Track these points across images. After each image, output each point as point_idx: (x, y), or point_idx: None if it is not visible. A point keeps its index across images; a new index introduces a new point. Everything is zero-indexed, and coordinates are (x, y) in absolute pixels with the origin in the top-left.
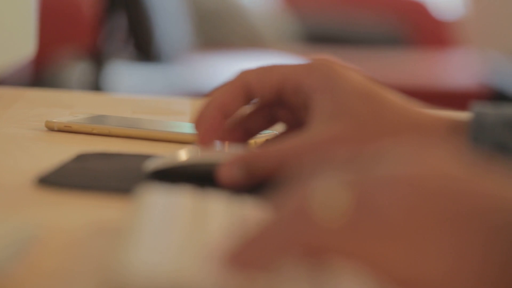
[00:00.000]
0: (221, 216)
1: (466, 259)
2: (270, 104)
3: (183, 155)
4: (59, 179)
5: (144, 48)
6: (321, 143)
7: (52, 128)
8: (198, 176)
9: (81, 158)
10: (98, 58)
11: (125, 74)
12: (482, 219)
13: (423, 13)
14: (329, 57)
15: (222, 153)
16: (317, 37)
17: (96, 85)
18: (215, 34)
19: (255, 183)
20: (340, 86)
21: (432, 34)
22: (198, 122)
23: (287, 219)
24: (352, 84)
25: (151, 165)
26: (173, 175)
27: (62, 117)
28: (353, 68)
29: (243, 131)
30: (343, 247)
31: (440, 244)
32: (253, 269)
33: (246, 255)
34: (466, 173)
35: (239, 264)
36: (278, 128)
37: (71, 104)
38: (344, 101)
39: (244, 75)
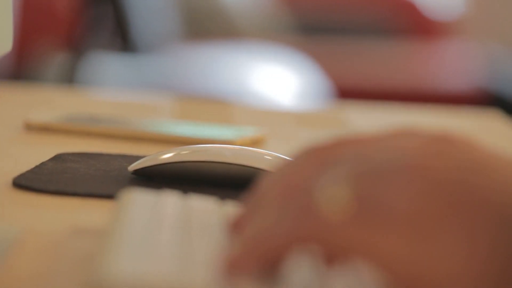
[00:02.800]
0: (206, 221)
1: (474, 253)
2: None
3: (166, 154)
4: (35, 183)
5: (125, 39)
6: None
7: (31, 128)
8: (181, 176)
9: (60, 158)
10: (78, 49)
11: (106, 65)
12: (490, 213)
13: (417, 7)
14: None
15: (210, 151)
16: (310, 28)
17: (76, 77)
18: (199, 25)
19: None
20: None
21: (427, 28)
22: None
23: (291, 213)
24: None
25: (134, 164)
26: (156, 175)
27: (41, 116)
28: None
29: None
30: (347, 241)
31: (447, 237)
32: (258, 267)
33: (250, 252)
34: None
35: (244, 262)
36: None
37: (50, 101)
38: None
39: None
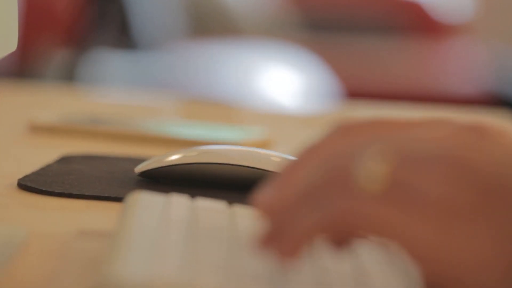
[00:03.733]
0: (213, 224)
1: (504, 244)
2: None
3: (173, 156)
4: (40, 185)
5: (128, 36)
6: None
7: (35, 128)
8: (188, 177)
9: (65, 160)
10: (81, 47)
11: (108, 63)
12: None
13: (425, 8)
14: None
15: (217, 153)
16: (316, 26)
17: (79, 75)
18: (203, 22)
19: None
20: None
21: (436, 29)
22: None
23: (326, 184)
24: None
25: (140, 166)
26: (162, 177)
27: (46, 117)
28: None
29: None
30: (380, 218)
31: (477, 227)
32: (296, 237)
33: (288, 223)
34: None
35: (285, 242)
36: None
37: (54, 102)
38: None
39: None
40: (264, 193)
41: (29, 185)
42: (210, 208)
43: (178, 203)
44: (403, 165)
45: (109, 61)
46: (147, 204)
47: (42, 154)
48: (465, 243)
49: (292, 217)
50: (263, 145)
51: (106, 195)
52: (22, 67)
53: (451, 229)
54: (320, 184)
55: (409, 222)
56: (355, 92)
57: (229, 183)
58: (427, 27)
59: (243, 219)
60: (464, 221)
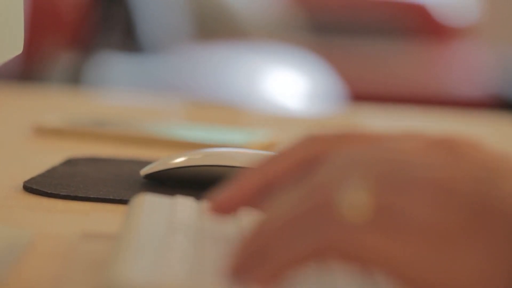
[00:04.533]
0: (218, 227)
1: (494, 265)
2: None
3: (178, 158)
4: (46, 187)
5: (133, 39)
6: None
7: (42, 131)
8: (193, 180)
9: (70, 163)
10: (86, 49)
11: (114, 65)
12: (509, 224)
13: (431, 10)
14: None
15: (221, 156)
16: (321, 29)
17: (84, 78)
18: (208, 25)
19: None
20: None
21: (441, 32)
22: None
23: (309, 213)
24: None
25: (146, 168)
26: (168, 179)
27: (51, 120)
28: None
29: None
30: (366, 247)
31: (467, 249)
32: (279, 266)
33: (269, 248)
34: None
35: (259, 269)
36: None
37: (59, 104)
38: None
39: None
40: (221, 195)
41: (34, 187)
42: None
43: (184, 206)
44: (386, 190)
45: (114, 64)
46: (153, 206)
47: (47, 157)
48: (457, 265)
49: (275, 244)
50: (269, 147)
51: (111, 197)
52: (28, 70)
53: (441, 252)
54: (303, 212)
55: (398, 247)
56: (360, 95)
57: None
58: (432, 29)
59: (249, 221)
60: (454, 243)
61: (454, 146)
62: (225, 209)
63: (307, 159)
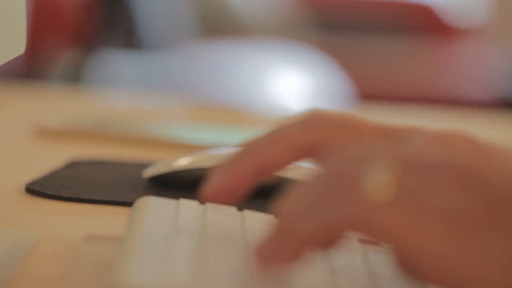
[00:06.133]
0: (223, 230)
1: None
2: None
3: (182, 160)
4: (48, 189)
5: (135, 37)
6: None
7: (44, 133)
8: (197, 182)
9: (73, 164)
10: (88, 47)
11: (116, 63)
12: None
13: (438, 11)
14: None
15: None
16: (327, 27)
17: (86, 76)
18: (212, 23)
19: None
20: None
21: (448, 32)
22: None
23: (332, 189)
24: None
25: (149, 170)
26: (172, 181)
27: (53, 121)
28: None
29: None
30: (386, 219)
31: (489, 238)
32: (301, 242)
33: (292, 225)
34: None
35: (283, 249)
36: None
37: (61, 105)
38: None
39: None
40: (215, 181)
41: (37, 189)
42: (220, 213)
43: (188, 208)
44: (410, 172)
45: (117, 63)
46: (156, 209)
47: (49, 159)
48: (478, 254)
49: (298, 222)
50: None
51: (114, 199)
52: (30, 69)
53: (463, 240)
54: (325, 188)
55: (418, 227)
56: (366, 94)
57: None
58: (439, 30)
59: (254, 224)
60: (476, 232)
61: (463, 137)
62: (220, 197)
63: (305, 146)
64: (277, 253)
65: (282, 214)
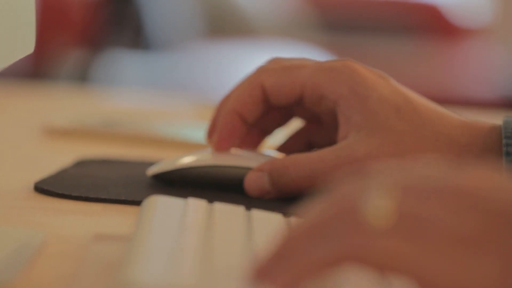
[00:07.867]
0: (231, 229)
1: None
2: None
3: (187, 158)
4: (57, 188)
5: (142, 36)
6: (357, 159)
7: (52, 132)
8: (203, 180)
9: (81, 163)
10: (95, 47)
11: (123, 63)
12: None
13: (444, 11)
14: (351, 60)
15: (230, 156)
16: (333, 27)
17: (93, 75)
18: (218, 22)
19: (279, 196)
20: (369, 95)
21: (454, 33)
22: (213, 126)
23: (333, 219)
24: (382, 93)
25: (154, 169)
26: (177, 180)
27: (61, 120)
28: (378, 73)
29: (257, 131)
30: (388, 249)
31: (495, 261)
32: (301, 271)
33: (292, 254)
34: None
35: (282, 278)
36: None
37: (69, 104)
38: (376, 113)
39: (261, 77)
40: (267, 264)
41: (45, 188)
42: (228, 213)
43: (196, 207)
44: (410, 198)
45: (124, 62)
46: (165, 208)
47: (57, 158)
48: (481, 272)
49: (298, 249)
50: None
51: (123, 198)
52: (37, 68)
53: (464, 259)
54: (327, 218)
55: (421, 253)
56: None
57: (243, 186)
58: (444, 30)
59: (261, 223)
60: (477, 250)
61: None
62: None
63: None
64: (276, 278)
65: (285, 238)
